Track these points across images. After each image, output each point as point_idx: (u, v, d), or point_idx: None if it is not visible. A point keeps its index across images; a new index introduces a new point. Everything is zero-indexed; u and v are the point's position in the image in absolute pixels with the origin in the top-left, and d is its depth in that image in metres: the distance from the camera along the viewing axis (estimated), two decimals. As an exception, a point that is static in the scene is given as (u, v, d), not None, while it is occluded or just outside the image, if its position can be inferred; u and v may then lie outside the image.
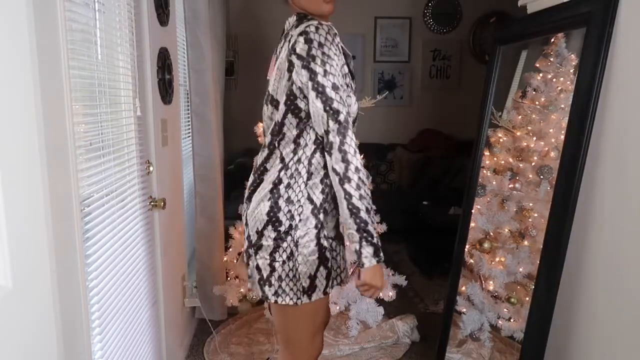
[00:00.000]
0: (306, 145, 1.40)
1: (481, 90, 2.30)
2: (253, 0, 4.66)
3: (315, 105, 1.31)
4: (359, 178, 1.30)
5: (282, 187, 1.40)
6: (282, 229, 1.40)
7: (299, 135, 1.40)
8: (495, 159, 2.35)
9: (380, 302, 2.72)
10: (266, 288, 1.43)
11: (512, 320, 2.24)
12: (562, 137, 1.78)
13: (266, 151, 1.46)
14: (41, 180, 1.10)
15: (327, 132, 1.31)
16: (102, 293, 1.52)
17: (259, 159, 1.49)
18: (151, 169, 2.02)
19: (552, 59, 2.12)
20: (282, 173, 1.41)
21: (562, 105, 2.07)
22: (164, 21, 2.21)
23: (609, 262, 1.58)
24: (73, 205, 1.30)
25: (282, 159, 1.42)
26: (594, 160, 1.64)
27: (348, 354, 2.64)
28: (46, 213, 1.12)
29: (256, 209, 1.43)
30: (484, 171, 2.34)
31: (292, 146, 1.41)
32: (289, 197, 1.40)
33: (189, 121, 2.95)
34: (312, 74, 1.30)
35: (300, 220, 1.40)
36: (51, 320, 1.15)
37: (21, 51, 1.04)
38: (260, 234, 1.42)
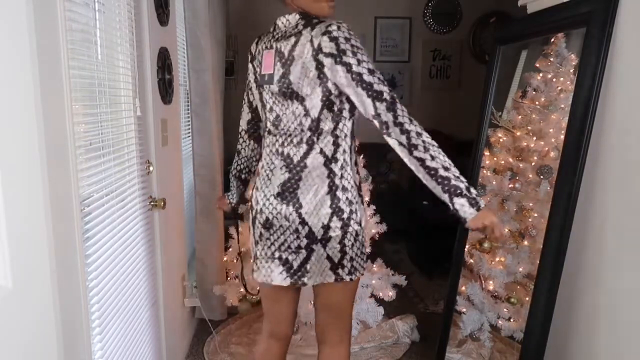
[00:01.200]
0: (346, 135, 1.52)
1: (481, 90, 2.30)
2: (253, 0, 4.66)
3: (358, 94, 1.41)
4: (424, 141, 1.39)
5: (337, 180, 1.51)
6: (345, 216, 1.52)
7: (335, 128, 1.50)
8: (495, 158, 2.35)
9: (380, 302, 2.72)
10: (339, 271, 1.55)
11: (512, 320, 2.24)
12: (562, 137, 1.78)
13: (304, 147, 1.51)
14: (41, 180, 1.10)
15: (377, 115, 1.41)
16: (102, 293, 1.52)
17: (294, 155, 1.52)
18: (151, 168, 2.02)
19: (552, 59, 2.12)
20: (332, 165, 1.51)
21: (562, 105, 2.08)
22: (164, 21, 2.21)
23: (609, 262, 1.58)
24: (73, 205, 1.30)
25: (324, 153, 1.50)
26: (594, 160, 1.64)
27: (348, 354, 2.64)
28: (46, 213, 1.12)
29: (319, 206, 1.50)
30: (484, 171, 2.34)
31: (330, 139, 1.50)
32: (344, 187, 1.52)
33: (189, 121, 2.95)
34: (348, 67, 1.40)
35: (356, 202, 1.55)
36: (51, 320, 1.15)
37: (21, 51, 1.04)
38: (326, 227, 1.51)
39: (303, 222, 1.52)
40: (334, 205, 1.51)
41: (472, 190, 1.41)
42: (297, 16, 1.51)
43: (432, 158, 1.39)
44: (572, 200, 1.66)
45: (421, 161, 1.39)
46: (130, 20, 1.82)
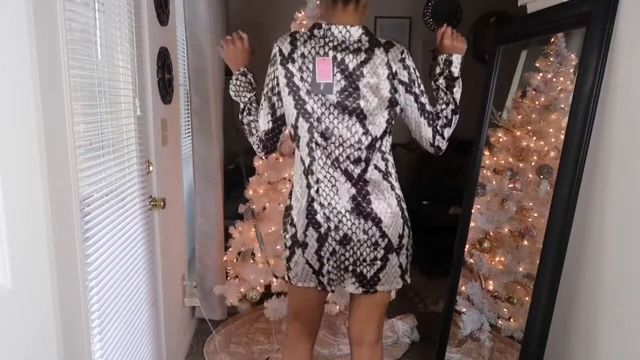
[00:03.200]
0: (390, 151, 1.61)
1: (481, 90, 2.30)
2: (253, 0, 4.66)
3: (421, 123, 1.58)
4: (451, 121, 1.63)
5: (397, 191, 1.60)
6: (409, 223, 1.63)
7: (382, 145, 1.57)
8: (495, 158, 2.35)
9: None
10: (406, 277, 1.66)
11: (512, 320, 2.24)
12: (562, 137, 1.78)
13: (362, 164, 1.54)
14: (41, 180, 1.10)
15: (433, 144, 1.61)
16: (102, 293, 1.52)
17: (352, 172, 1.54)
18: (151, 168, 2.02)
19: (552, 59, 2.12)
20: (390, 179, 1.59)
21: (562, 105, 2.08)
22: (164, 21, 2.21)
23: (608, 261, 1.58)
24: (73, 205, 1.30)
25: (379, 168, 1.56)
26: (594, 160, 1.65)
27: (347, 354, 2.63)
28: (46, 213, 1.12)
29: (395, 218, 1.56)
30: (484, 171, 2.34)
31: (379, 155, 1.56)
32: (402, 197, 1.63)
33: (189, 121, 2.95)
34: (416, 97, 1.55)
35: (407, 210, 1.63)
36: (51, 320, 1.15)
37: (21, 51, 1.04)
38: (401, 236, 1.58)
39: (384, 235, 1.54)
40: (403, 215, 1.59)
41: (447, 84, 1.63)
42: (361, 31, 1.52)
43: (453, 113, 1.63)
44: (572, 200, 1.66)
45: (456, 117, 1.65)
46: (130, 20, 1.82)
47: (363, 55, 1.49)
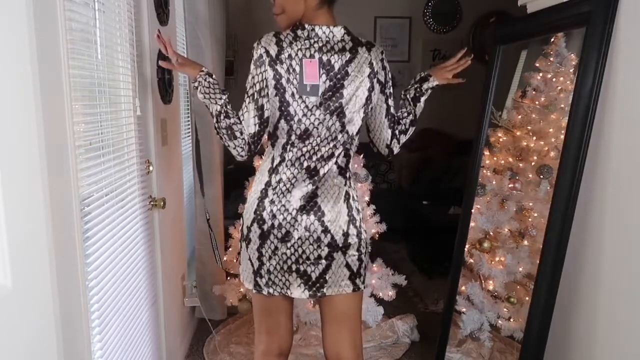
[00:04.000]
0: (354, 149, 1.62)
1: (481, 90, 2.30)
2: (253, 0, 4.66)
3: (384, 124, 1.63)
4: (407, 129, 1.70)
5: (349, 189, 1.58)
6: (357, 224, 1.58)
7: (354, 143, 1.60)
8: (495, 158, 2.35)
9: (379, 301, 2.72)
10: (357, 280, 1.58)
11: (511, 319, 2.24)
12: (562, 136, 1.78)
13: (333, 160, 1.55)
14: (41, 180, 1.10)
15: (388, 146, 1.67)
16: (102, 293, 1.52)
17: (321, 168, 1.53)
18: (151, 168, 2.02)
19: (552, 59, 2.12)
20: (346, 175, 1.58)
21: (562, 105, 2.07)
22: (163, 21, 2.21)
23: (608, 261, 1.58)
24: (73, 205, 1.30)
25: (338, 163, 1.56)
26: (594, 161, 1.65)
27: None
28: (46, 213, 1.12)
29: (340, 214, 1.54)
30: (484, 171, 2.34)
31: (342, 150, 1.57)
32: (354, 196, 1.60)
33: (188, 121, 2.95)
34: (386, 98, 1.60)
35: (361, 211, 1.61)
36: (51, 320, 1.15)
37: (21, 51, 1.04)
38: (346, 234, 1.54)
39: (325, 230, 1.51)
40: (350, 213, 1.56)
41: (414, 95, 1.71)
42: (343, 30, 1.52)
43: (412, 123, 1.70)
44: (572, 200, 1.66)
45: (412, 128, 1.71)
46: (130, 20, 1.82)
47: (348, 55, 1.50)
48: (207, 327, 2.74)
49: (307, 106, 1.49)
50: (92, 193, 1.50)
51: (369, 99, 1.55)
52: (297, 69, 1.46)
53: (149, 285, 2.02)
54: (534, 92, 2.21)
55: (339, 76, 1.49)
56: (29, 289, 1.07)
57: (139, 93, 1.88)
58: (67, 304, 1.25)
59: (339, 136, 1.54)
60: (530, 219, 2.20)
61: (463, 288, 2.38)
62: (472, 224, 2.32)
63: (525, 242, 2.20)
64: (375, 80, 1.55)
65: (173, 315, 2.40)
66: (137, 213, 1.89)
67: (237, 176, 2.98)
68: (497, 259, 2.28)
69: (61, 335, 1.19)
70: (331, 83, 1.49)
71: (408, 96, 1.71)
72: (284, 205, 1.52)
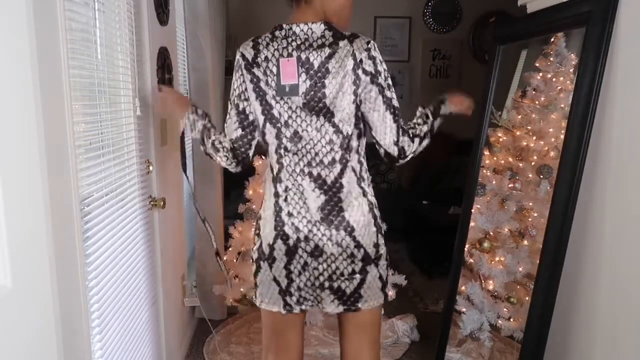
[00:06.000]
0: (365, 153, 1.52)
1: (481, 90, 2.30)
2: (253, 0, 4.66)
3: (386, 117, 1.44)
4: (421, 137, 1.54)
5: (369, 197, 1.51)
6: (383, 233, 1.52)
7: (359, 145, 1.49)
8: (495, 158, 2.35)
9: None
10: (386, 289, 1.53)
11: (511, 319, 2.24)
12: (562, 136, 1.78)
13: (338, 166, 1.46)
14: (41, 180, 1.10)
15: (397, 143, 1.47)
16: (102, 293, 1.52)
17: (327, 177, 1.45)
18: (151, 168, 2.02)
19: (552, 59, 2.12)
20: (362, 184, 1.49)
21: (562, 105, 2.08)
22: (163, 20, 2.21)
23: (608, 261, 1.58)
24: (73, 205, 1.30)
25: (354, 171, 1.48)
26: (594, 160, 1.65)
27: (348, 354, 2.64)
28: (46, 212, 1.12)
29: (368, 226, 1.47)
30: (484, 171, 2.34)
31: (356, 157, 1.49)
32: (375, 204, 1.53)
33: (188, 121, 2.94)
34: (381, 89, 1.42)
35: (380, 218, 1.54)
36: (51, 320, 1.15)
37: (21, 51, 1.03)
38: (376, 245, 1.49)
39: (358, 245, 1.45)
40: (376, 223, 1.49)
41: (433, 110, 1.60)
42: (324, 26, 1.42)
43: (427, 135, 1.56)
44: (572, 200, 1.66)
45: (428, 139, 1.56)
46: (130, 20, 1.82)
47: (327, 50, 1.40)
48: (207, 327, 2.74)
49: (290, 107, 1.43)
50: (92, 193, 1.50)
51: (356, 93, 1.41)
52: (275, 69, 1.42)
53: (149, 285, 2.02)
54: (534, 92, 2.21)
55: (319, 74, 1.40)
56: (29, 289, 1.07)
57: (139, 93, 1.88)
58: (67, 304, 1.25)
59: (334, 138, 1.43)
60: (530, 219, 2.20)
61: (463, 288, 2.38)
62: (472, 223, 2.33)
63: (525, 242, 2.20)
64: (360, 71, 1.39)
65: (173, 315, 2.40)
66: (137, 213, 1.89)
67: (237, 176, 2.98)
68: (497, 259, 2.28)
69: (61, 335, 1.19)
70: (312, 82, 1.40)
71: (426, 111, 1.59)
72: (305, 217, 1.45)
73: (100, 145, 1.59)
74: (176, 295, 2.51)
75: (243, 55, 1.47)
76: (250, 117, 1.51)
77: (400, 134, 1.47)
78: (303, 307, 1.52)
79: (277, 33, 1.45)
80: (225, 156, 1.55)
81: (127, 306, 1.75)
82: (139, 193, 1.91)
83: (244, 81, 1.48)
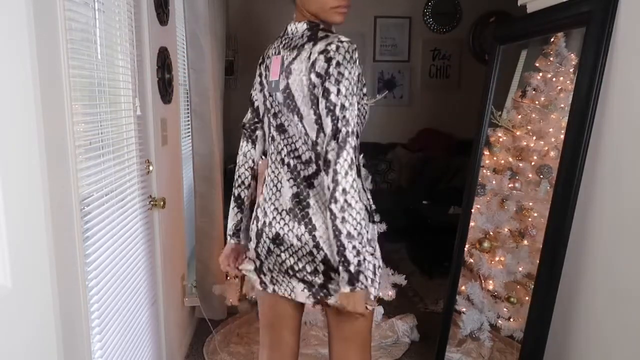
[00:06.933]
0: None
1: (481, 90, 2.30)
2: (253, 0, 4.66)
3: (326, 122, 1.33)
4: (346, 200, 1.28)
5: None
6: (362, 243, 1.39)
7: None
8: (495, 158, 2.35)
9: (379, 301, 2.72)
10: (372, 289, 1.45)
11: (511, 319, 2.24)
12: (562, 136, 1.78)
13: (314, 166, 1.42)
14: (41, 180, 1.10)
15: (326, 151, 1.32)
16: (102, 293, 1.52)
17: (302, 170, 1.43)
18: (151, 168, 2.02)
19: (551, 59, 2.12)
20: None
21: (562, 105, 2.07)
22: (163, 20, 2.21)
23: (608, 261, 1.58)
24: (73, 205, 1.30)
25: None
26: (594, 160, 1.65)
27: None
28: (46, 212, 1.12)
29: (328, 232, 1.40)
30: (484, 170, 2.34)
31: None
32: (362, 216, 1.44)
33: (188, 121, 2.95)
34: (326, 92, 1.32)
35: (365, 225, 1.45)
36: (51, 320, 1.15)
37: (21, 51, 1.04)
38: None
39: (317, 247, 1.40)
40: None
41: (360, 271, 1.30)
42: (305, 26, 1.43)
43: (343, 220, 1.29)
44: (572, 200, 1.66)
45: (334, 217, 1.30)
46: (130, 20, 1.82)
47: (295, 52, 1.41)
48: (207, 327, 2.74)
49: (277, 102, 1.48)
50: (92, 193, 1.50)
51: (312, 98, 1.36)
52: (270, 66, 1.52)
53: (149, 285, 2.02)
54: (533, 92, 2.21)
55: (287, 74, 1.41)
56: (29, 289, 1.07)
57: (139, 93, 1.88)
58: (67, 304, 1.25)
59: (306, 138, 1.41)
60: (530, 219, 2.20)
61: (463, 288, 2.38)
62: (472, 223, 2.33)
63: (525, 242, 2.20)
64: (314, 75, 1.34)
65: (173, 315, 2.40)
66: (137, 213, 1.89)
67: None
68: (497, 258, 2.28)
69: (61, 335, 1.19)
70: (285, 81, 1.42)
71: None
72: (274, 204, 1.48)
73: (100, 145, 1.59)
74: (176, 296, 2.51)
75: (263, 54, 1.59)
76: (256, 104, 1.62)
77: (330, 140, 1.31)
78: (276, 288, 1.53)
79: (282, 32, 1.54)
80: (242, 139, 1.67)
81: (127, 306, 1.75)
82: (139, 193, 1.91)
83: (256, 74, 1.61)
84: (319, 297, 1.45)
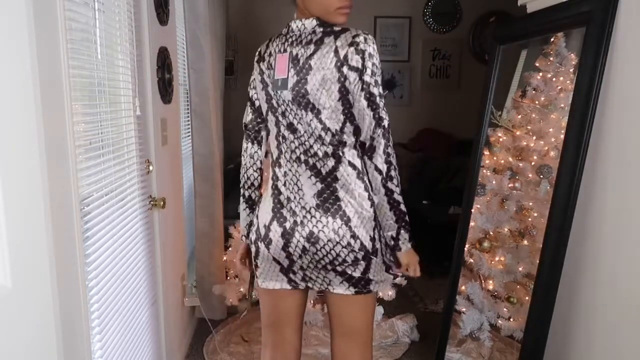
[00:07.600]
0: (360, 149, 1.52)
1: (481, 90, 2.30)
2: (253, 0, 4.66)
3: (366, 113, 1.43)
4: (397, 176, 1.50)
5: (370, 191, 1.50)
6: (380, 228, 1.52)
7: (357, 140, 1.48)
8: (495, 158, 2.35)
9: (379, 301, 2.72)
10: (390, 272, 1.57)
11: (511, 319, 2.24)
12: (562, 136, 1.78)
13: (332, 160, 1.47)
14: (41, 180, 1.10)
15: (372, 138, 1.45)
16: (102, 293, 1.52)
17: (321, 168, 1.47)
18: (151, 168, 2.02)
19: (551, 58, 2.12)
20: (366, 178, 1.49)
21: (562, 105, 2.08)
22: (163, 20, 2.21)
23: (608, 261, 1.58)
24: (73, 205, 1.30)
25: (352, 165, 1.48)
26: (594, 160, 1.65)
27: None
28: (46, 212, 1.12)
29: (366, 219, 1.48)
30: (484, 170, 2.34)
31: (354, 152, 1.49)
32: (373, 198, 1.51)
33: (188, 120, 2.95)
34: (365, 85, 1.41)
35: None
36: (51, 320, 1.15)
37: (21, 51, 1.03)
38: (373, 239, 1.49)
39: (354, 236, 1.46)
40: (375, 217, 1.50)
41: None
42: (314, 22, 1.45)
43: (400, 193, 1.50)
44: (572, 199, 1.66)
45: (391, 192, 1.49)
46: (130, 20, 1.82)
47: (312, 47, 1.43)
48: (207, 327, 2.74)
49: (284, 100, 1.49)
50: (92, 193, 1.50)
51: (342, 91, 1.42)
52: (273, 64, 1.51)
53: (149, 285, 2.02)
54: (533, 92, 2.21)
55: (303, 70, 1.43)
56: (29, 289, 1.07)
57: (139, 93, 1.88)
58: (67, 304, 1.25)
59: (322, 134, 1.46)
60: (530, 219, 2.20)
61: (463, 288, 2.38)
62: (472, 223, 2.33)
63: (525, 242, 2.20)
64: (346, 68, 1.40)
65: (173, 315, 2.40)
66: (137, 213, 1.89)
67: (237, 176, 2.98)
68: (497, 258, 2.28)
69: (61, 335, 1.19)
70: (298, 77, 1.44)
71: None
72: (299, 203, 1.49)
73: (100, 145, 1.59)
74: (176, 295, 2.51)
75: (259, 52, 1.59)
76: (257, 104, 1.62)
77: (375, 128, 1.44)
78: (310, 285, 1.56)
79: (284, 30, 1.54)
80: (246, 140, 1.69)
81: (127, 306, 1.75)
82: (139, 193, 1.91)
83: (255, 73, 1.60)
84: (358, 289, 1.51)
